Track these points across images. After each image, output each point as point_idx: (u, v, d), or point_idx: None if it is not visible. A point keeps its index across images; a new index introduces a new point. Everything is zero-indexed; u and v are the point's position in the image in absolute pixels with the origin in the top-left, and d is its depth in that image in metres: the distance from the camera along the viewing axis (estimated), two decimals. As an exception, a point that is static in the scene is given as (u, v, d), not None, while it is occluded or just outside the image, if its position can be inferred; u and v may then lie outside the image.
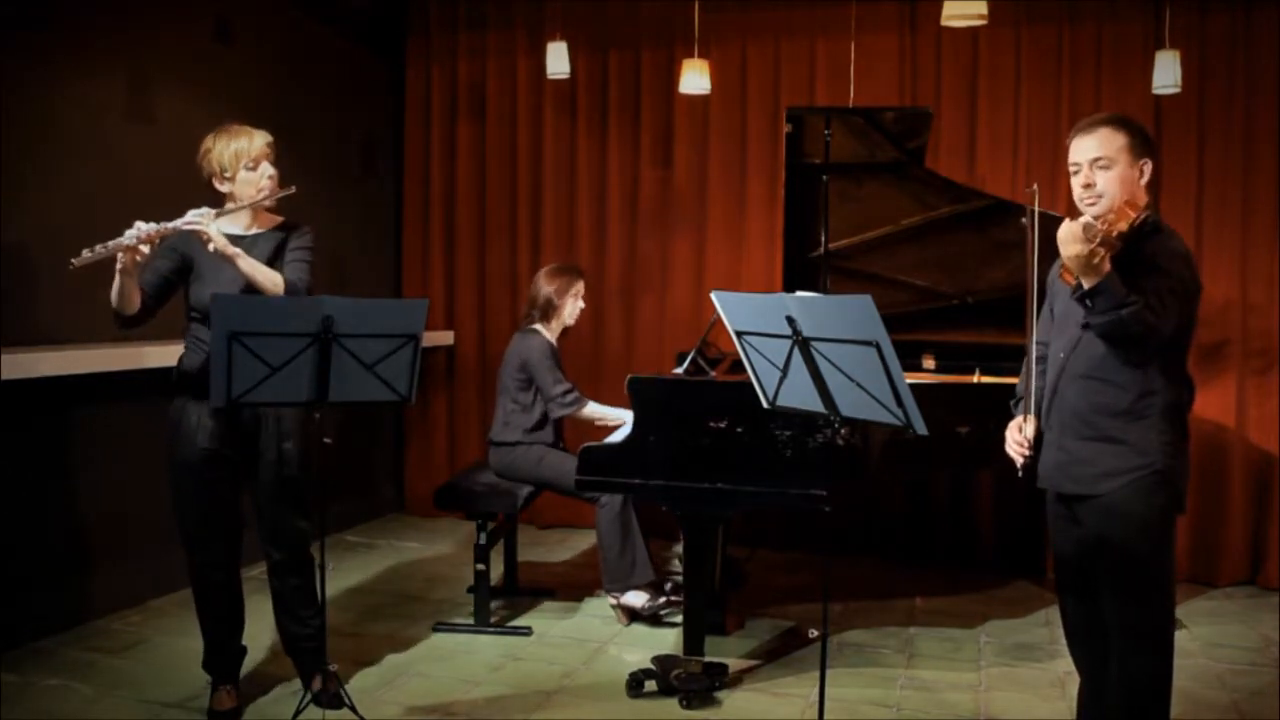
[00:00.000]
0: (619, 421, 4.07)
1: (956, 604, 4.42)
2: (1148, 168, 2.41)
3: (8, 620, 3.59)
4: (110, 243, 2.81)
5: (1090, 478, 2.39)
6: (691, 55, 4.85)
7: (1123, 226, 2.22)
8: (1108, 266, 2.18)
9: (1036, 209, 2.39)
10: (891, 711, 3.31)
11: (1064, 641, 2.65)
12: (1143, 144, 2.40)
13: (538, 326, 4.20)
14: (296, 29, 5.10)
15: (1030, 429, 2.48)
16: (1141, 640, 2.37)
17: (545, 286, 4.21)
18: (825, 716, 2.62)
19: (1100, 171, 2.37)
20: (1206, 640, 4.01)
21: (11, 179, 3.63)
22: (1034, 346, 2.50)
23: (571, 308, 4.22)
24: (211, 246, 2.89)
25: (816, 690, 2.67)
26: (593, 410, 4.13)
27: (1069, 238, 2.16)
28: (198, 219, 2.88)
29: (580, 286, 4.25)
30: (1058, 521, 2.53)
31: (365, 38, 5.67)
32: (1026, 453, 2.48)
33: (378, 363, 2.66)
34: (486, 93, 5.74)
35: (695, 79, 4.80)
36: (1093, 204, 2.37)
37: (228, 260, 2.90)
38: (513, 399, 4.14)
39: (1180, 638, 3.98)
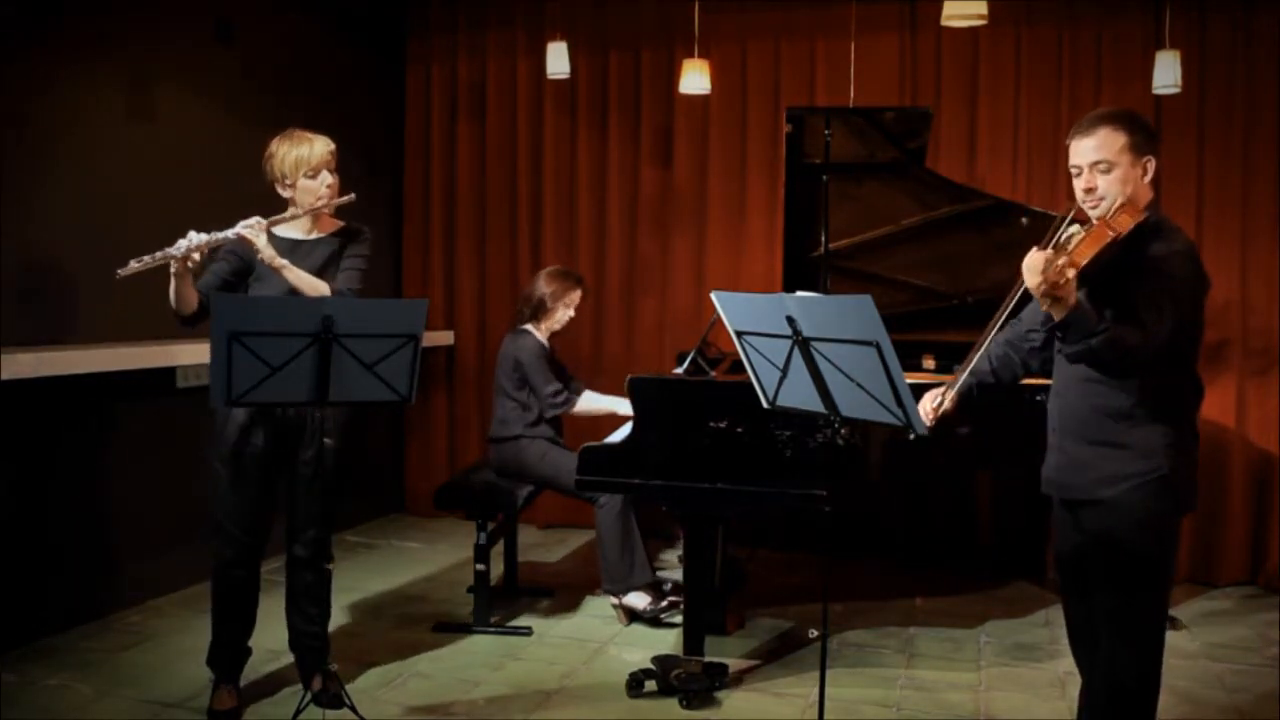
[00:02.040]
0: (610, 410, 4.17)
1: (956, 604, 4.42)
2: (1151, 165, 2.34)
3: (8, 619, 3.59)
4: (159, 253, 2.85)
5: (1092, 483, 2.35)
6: (691, 55, 4.85)
7: (1080, 262, 2.11)
8: (1074, 298, 2.10)
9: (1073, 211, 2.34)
10: (891, 711, 3.31)
11: (1064, 641, 2.63)
12: (1145, 141, 2.33)
13: (528, 327, 4.21)
14: (296, 29, 5.10)
15: (948, 404, 2.48)
16: (1131, 640, 2.34)
17: (544, 287, 4.22)
18: (825, 716, 2.61)
19: (1101, 175, 2.31)
20: (1206, 640, 4.01)
21: (11, 178, 3.63)
22: (994, 331, 2.42)
23: (562, 314, 4.24)
24: (260, 256, 2.95)
25: (816, 690, 2.66)
26: (585, 405, 4.20)
27: (1030, 267, 2.09)
28: (248, 230, 2.94)
29: (576, 296, 4.26)
30: (1062, 526, 2.50)
31: (365, 38, 5.67)
32: (929, 422, 2.47)
33: (378, 363, 2.66)
34: (486, 93, 5.74)
35: (695, 79, 4.80)
36: (1095, 207, 2.32)
37: (274, 270, 2.96)
38: (509, 397, 4.15)
39: (1180, 638, 4.00)
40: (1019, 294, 2.30)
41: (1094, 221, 2.27)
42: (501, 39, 5.69)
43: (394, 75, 5.87)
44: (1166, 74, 4.34)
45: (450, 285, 5.87)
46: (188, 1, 4.40)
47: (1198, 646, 3.94)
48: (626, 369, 4.56)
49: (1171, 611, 4.19)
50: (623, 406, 4.15)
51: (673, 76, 5.17)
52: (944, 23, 4.12)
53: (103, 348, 3.79)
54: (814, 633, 2.60)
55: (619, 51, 5.52)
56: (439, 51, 5.79)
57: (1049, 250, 2.13)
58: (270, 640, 3.43)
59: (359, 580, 4.61)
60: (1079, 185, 2.36)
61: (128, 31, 4.09)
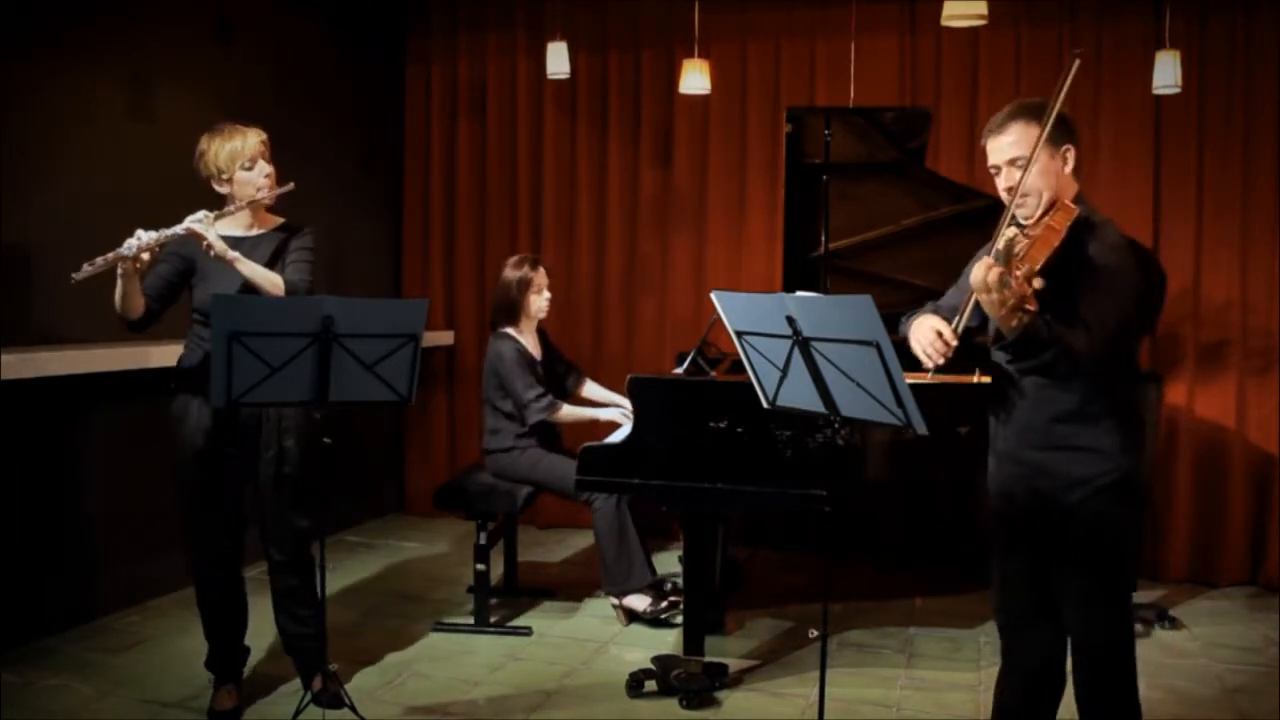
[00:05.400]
0: (596, 417, 4.13)
1: (956, 604, 4.42)
2: (1071, 154, 2.28)
3: (8, 620, 3.59)
4: (110, 254, 2.82)
5: (1054, 489, 2.28)
6: (691, 55, 4.86)
7: (1036, 269, 2.03)
8: (1033, 306, 2.01)
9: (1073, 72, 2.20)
10: (891, 711, 3.31)
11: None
12: (1060, 131, 2.25)
13: (508, 330, 4.17)
14: (297, 29, 5.10)
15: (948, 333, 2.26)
16: (1102, 611, 2.32)
17: (505, 284, 4.19)
18: (825, 716, 2.61)
19: (1019, 171, 2.24)
20: (1206, 640, 4.01)
21: (11, 178, 3.63)
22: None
23: (536, 302, 4.17)
24: (211, 251, 2.91)
25: (816, 690, 2.66)
26: (568, 413, 4.12)
27: (981, 285, 1.97)
28: (197, 224, 2.90)
29: (538, 279, 4.17)
30: (1014, 502, 2.40)
31: (365, 38, 5.67)
32: (940, 360, 2.27)
33: (378, 363, 2.66)
34: (486, 93, 5.74)
35: (695, 79, 4.80)
36: (1021, 206, 2.26)
37: (227, 264, 2.92)
38: (495, 406, 4.14)
39: (1180, 637, 4.00)
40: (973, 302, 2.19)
41: (1023, 221, 2.25)
42: (501, 39, 5.69)
43: (394, 75, 5.87)
44: (1166, 74, 4.34)
45: (450, 285, 5.87)
46: (188, 1, 4.40)
47: (1198, 646, 3.94)
48: (626, 369, 4.56)
49: (1172, 611, 4.21)
50: (605, 414, 4.12)
51: (673, 76, 5.17)
52: (944, 23, 4.13)
53: (102, 348, 3.79)
54: (814, 633, 2.59)
55: (619, 51, 5.52)
56: (439, 51, 5.79)
57: (999, 264, 1.98)
58: (271, 640, 3.43)
59: (359, 580, 4.61)
60: (1000, 185, 2.30)
61: (128, 31, 4.09)
